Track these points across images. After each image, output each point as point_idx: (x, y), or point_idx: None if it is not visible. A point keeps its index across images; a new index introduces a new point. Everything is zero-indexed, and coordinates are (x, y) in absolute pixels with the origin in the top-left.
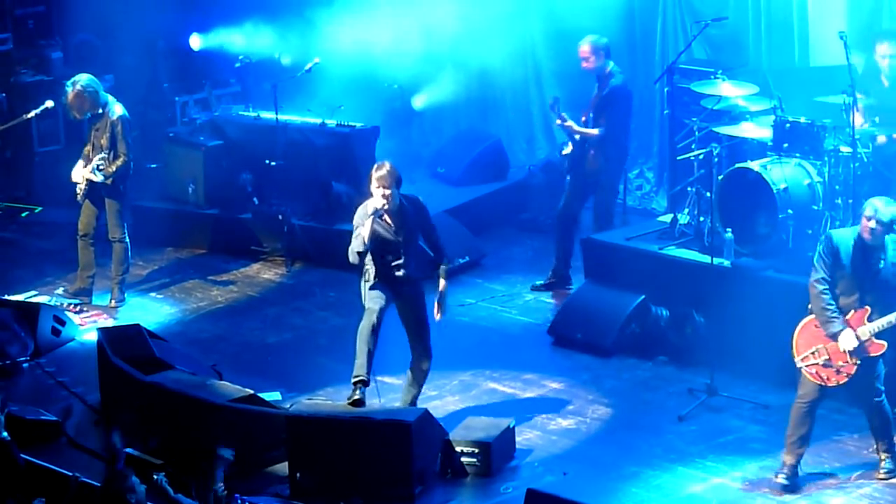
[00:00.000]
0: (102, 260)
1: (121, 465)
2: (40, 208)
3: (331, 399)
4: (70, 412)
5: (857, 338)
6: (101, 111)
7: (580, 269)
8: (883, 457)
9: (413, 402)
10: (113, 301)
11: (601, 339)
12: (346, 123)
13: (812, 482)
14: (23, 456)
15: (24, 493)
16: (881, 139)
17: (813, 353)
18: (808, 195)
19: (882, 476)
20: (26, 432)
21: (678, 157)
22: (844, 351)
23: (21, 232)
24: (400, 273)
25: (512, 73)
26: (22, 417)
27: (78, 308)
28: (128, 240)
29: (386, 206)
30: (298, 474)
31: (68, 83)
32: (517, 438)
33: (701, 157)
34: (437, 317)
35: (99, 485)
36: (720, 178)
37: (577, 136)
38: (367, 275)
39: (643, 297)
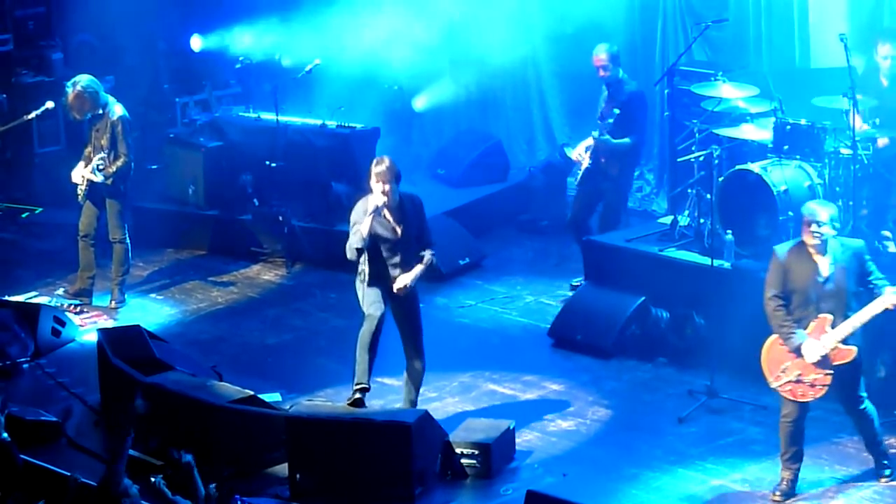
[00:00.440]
0: (103, 261)
1: (121, 467)
2: (40, 209)
3: (331, 400)
4: (70, 413)
5: (822, 348)
6: (101, 112)
7: (581, 270)
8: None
9: (413, 404)
10: (113, 302)
11: (601, 340)
12: (346, 125)
13: (812, 484)
14: (22, 457)
15: (23, 493)
16: (882, 141)
17: (783, 371)
18: (808, 197)
19: (885, 481)
20: (26, 433)
21: (678, 159)
22: (812, 364)
23: (21, 233)
24: (396, 273)
25: (512, 74)
26: (22, 418)
27: (78, 309)
28: (128, 241)
29: (386, 203)
30: (298, 475)
31: (68, 84)
32: (517, 440)
33: (701, 158)
34: (395, 287)
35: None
36: (720, 179)
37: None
38: (362, 274)
39: (643, 298)
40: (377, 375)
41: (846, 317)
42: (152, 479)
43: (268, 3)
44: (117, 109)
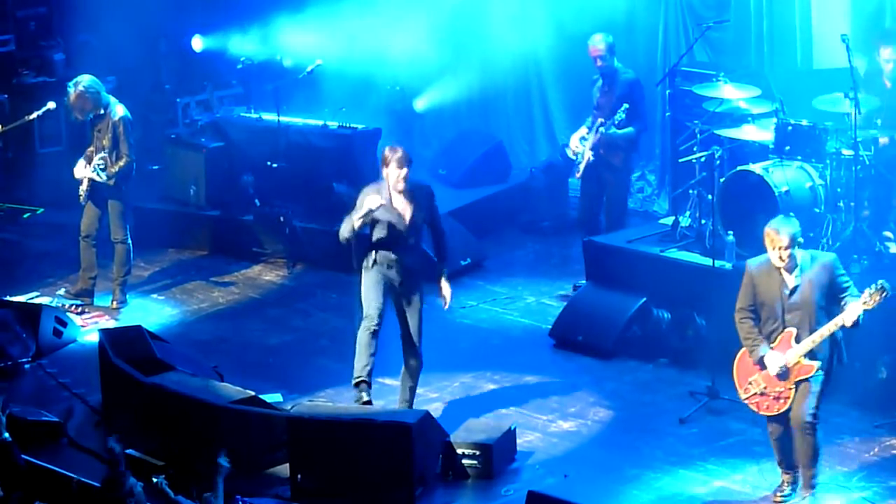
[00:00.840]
0: (104, 261)
1: (121, 468)
2: (42, 209)
3: (332, 401)
4: (72, 412)
5: (784, 360)
6: (102, 112)
7: (581, 271)
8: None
9: (409, 403)
10: (114, 302)
11: (602, 341)
12: (347, 125)
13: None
14: (23, 457)
15: (25, 493)
16: (883, 141)
17: (750, 384)
18: (809, 198)
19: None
20: (27, 433)
21: (680, 160)
22: (776, 376)
23: (23, 233)
24: (403, 259)
25: (514, 74)
26: (23, 418)
27: (80, 309)
28: (130, 241)
29: (402, 188)
30: (299, 476)
31: (70, 84)
32: (518, 440)
33: (703, 159)
34: (446, 305)
35: (98, 486)
36: (722, 180)
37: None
38: (367, 261)
39: (644, 299)
40: (377, 375)
41: (813, 331)
42: (154, 480)
43: (269, 4)
44: (119, 110)
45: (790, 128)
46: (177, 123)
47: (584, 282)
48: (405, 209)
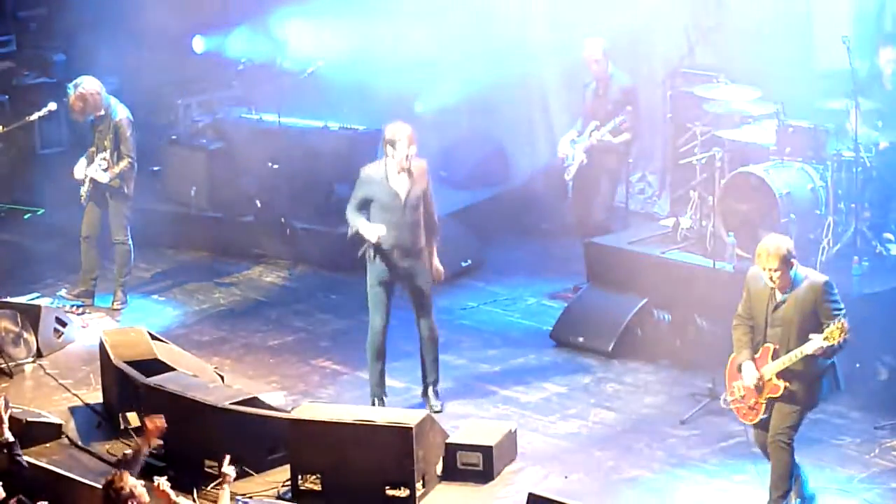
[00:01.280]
0: (105, 262)
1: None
2: (43, 210)
3: (332, 401)
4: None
5: (756, 373)
6: (103, 113)
7: (582, 272)
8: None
9: (436, 372)
10: (115, 303)
11: (603, 342)
12: (348, 126)
13: (813, 487)
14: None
15: (26, 494)
16: (884, 143)
17: (734, 388)
18: (810, 200)
19: None
20: (28, 434)
21: (681, 161)
22: (751, 387)
23: (23, 234)
24: (402, 238)
25: (514, 76)
26: (24, 419)
27: (80, 310)
28: (131, 242)
29: (409, 165)
30: (300, 477)
31: (71, 85)
32: (519, 442)
33: (703, 160)
34: (438, 279)
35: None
36: (722, 182)
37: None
38: (369, 252)
39: (645, 300)
40: None
41: (789, 351)
42: (155, 480)
43: (270, 5)
44: (120, 111)
45: (791, 129)
46: (177, 124)
47: (573, 284)
48: (403, 187)
